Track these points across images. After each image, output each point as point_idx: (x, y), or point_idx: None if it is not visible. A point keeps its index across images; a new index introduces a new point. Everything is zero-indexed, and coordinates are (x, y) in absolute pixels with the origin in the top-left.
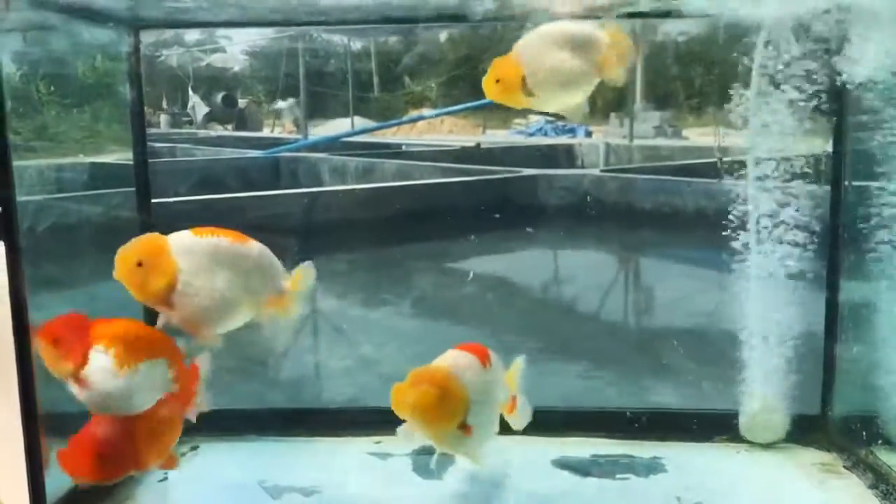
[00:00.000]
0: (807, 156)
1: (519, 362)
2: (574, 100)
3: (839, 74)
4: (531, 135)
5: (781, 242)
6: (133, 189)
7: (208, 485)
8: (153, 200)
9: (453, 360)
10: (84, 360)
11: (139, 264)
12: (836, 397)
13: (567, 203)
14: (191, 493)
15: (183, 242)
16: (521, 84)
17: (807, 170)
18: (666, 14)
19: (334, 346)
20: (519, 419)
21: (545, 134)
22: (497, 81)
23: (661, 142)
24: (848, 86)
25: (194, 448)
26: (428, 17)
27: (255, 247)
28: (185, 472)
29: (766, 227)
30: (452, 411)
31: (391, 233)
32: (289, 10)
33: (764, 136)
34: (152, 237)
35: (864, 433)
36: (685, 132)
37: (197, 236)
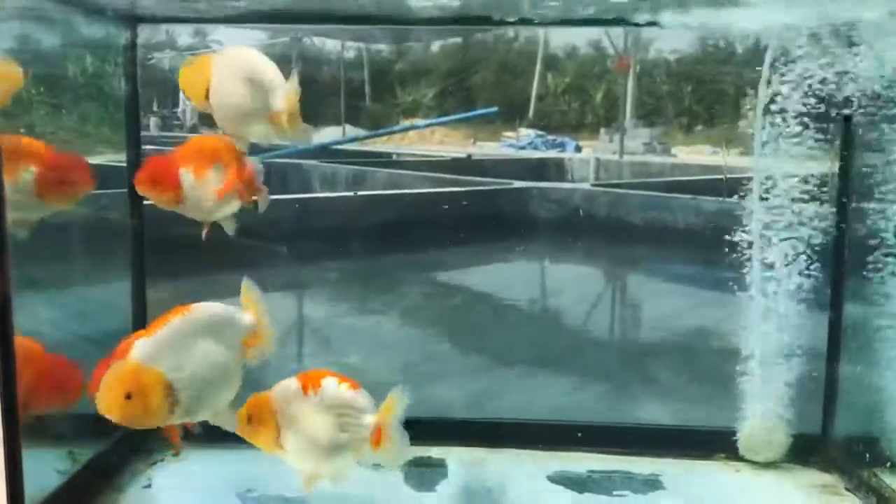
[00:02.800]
0: (811, 175)
1: (395, 394)
2: (247, 130)
3: (844, 95)
4: (522, 148)
5: (785, 262)
6: (124, 190)
7: (191, 493)
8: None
9: (275, 387)
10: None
11: None
12: (839, 417)
13: (557, 216)
14: (173, 502)
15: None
16: (206, 87)
17: (811, 189)
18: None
19: (321, 355)
20: (388, 455)
21: (535, 147)
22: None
23: (650, 158)
24: (853, 106)
25: (176, 454)
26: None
27: (207, 311)
28: (167, 480)
29: (768, 246)
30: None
31: (380, 242)
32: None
33: (766, 154)
34: None
35: (867, 454)
36: (673, 150)
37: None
